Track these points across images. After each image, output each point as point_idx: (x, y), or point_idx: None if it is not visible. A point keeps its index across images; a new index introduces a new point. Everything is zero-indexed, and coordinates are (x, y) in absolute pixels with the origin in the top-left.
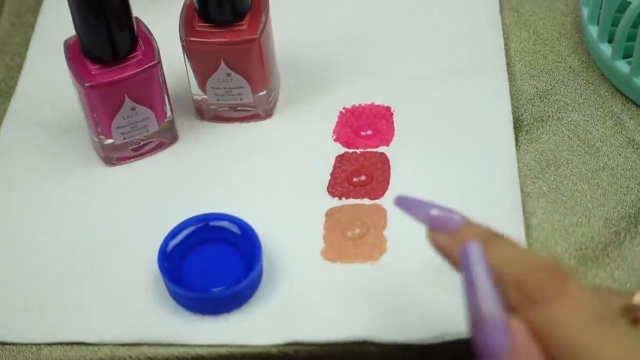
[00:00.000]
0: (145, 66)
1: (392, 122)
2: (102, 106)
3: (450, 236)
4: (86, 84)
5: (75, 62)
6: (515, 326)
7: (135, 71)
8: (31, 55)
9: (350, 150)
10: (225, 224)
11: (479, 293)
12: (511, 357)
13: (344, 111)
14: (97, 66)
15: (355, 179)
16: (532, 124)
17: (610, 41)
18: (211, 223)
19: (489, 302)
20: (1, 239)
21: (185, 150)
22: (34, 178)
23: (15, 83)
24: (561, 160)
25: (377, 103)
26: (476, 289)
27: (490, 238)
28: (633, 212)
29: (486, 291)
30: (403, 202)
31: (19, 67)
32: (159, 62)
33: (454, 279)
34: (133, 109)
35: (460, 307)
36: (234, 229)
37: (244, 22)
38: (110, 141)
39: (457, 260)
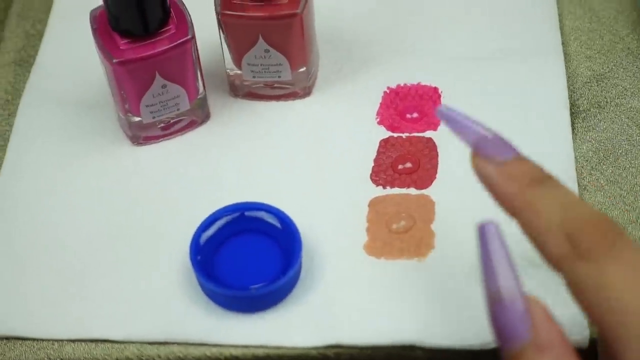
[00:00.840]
0: (178, 41)
1: (440, 104)
2: (131, 83)
3: (497, 169)
4: (114, 60)
5: (103, 36)
6: (535, 309)
7: (167, 47)
8: (53, 21)
9: (395, 135)
10: (262, 214)
11: (498, 276)
12: (531, 341)
13: (388, 91)
14: (126, 40)
15: (400, 166)
16: (589, 110)
17: None
18: (247, 213)
19: (510, 287)
20: (19, 225)
21: (217, 130)
22: (54, 157)
23: (35, 52)
24: (620, 151)
25: (423, 83)
26: (495, 272)
27: (542, 179)
28: None
29: (506, 274)
30: (449, 115)
31: (40, 34)
32: (193, 37)
33: None
34: (164, 86)
35: None
36: (272, 220)
37: None
38: (138, 119)
39: (500, 195)
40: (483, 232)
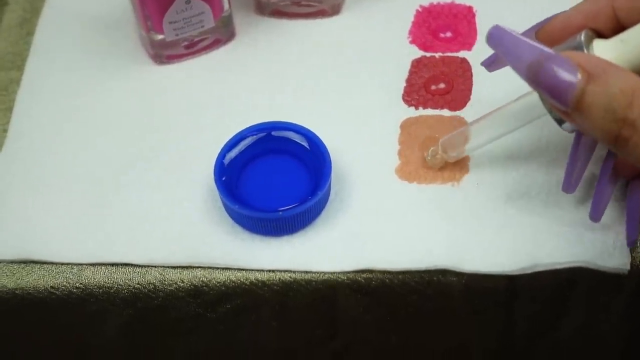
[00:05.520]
0: None
1: (474, 24)
2: None
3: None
4: None
5: None
6: (571, 54)
7: None
8: None
9: (428, 54)
10: (290, 134)
11: (529, 47)
12: (584, 76)
13: (420, 10)
14: None
15: (433, 87)
16: None
17: None
18: (274, 133)
19: (541, 50)
20: (39, 147)
21: (242, 49)
22: (74, 77)
23: None
24: None
25: (457, 2)
26: (525, 46)
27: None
28: None
29: (533, 44)
30: (498, 36)
31: None
32: None
33: (544, 203)
34: (188, 2)
35: (550, 236)
36: (300, 140)
37: None
38: (160, 37)
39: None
40: (492, 37)
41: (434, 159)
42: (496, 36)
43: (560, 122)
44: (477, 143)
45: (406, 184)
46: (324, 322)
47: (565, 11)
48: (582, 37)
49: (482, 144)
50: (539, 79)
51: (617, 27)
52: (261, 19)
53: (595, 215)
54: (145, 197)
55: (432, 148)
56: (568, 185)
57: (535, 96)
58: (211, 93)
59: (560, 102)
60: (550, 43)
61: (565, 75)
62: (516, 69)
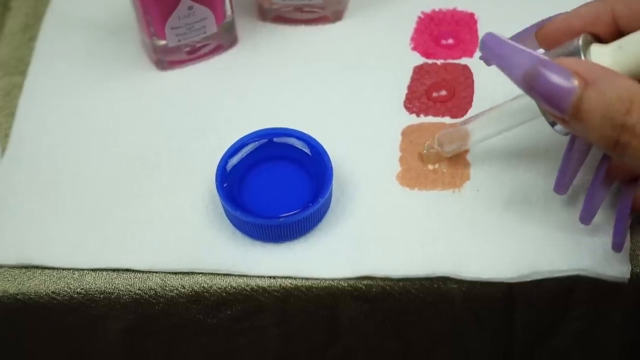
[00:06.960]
0: None
1: (476, 31)
2: (156, 4)
3: None
4: None
5: None
6: (563, 61)
7: None
8: None
9: (430, 61)
10: (291, 140)
11: (525, 55)
12: (580, 83)
13: (422, 16)
14: None
15: (434, 94)
16: None
17: None
18: (276, 139)
19: (537, 59)
20: (42, 152)
21: (245, 55)
22: (76, 83)
23: None
24: None
25: (459, 9)
26: (520, 55)
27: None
28: None
29: (529, 53)
30: (492, 45)
31: None
32: None
33: (544, 211)
34: (190, 8)
35: (550, 243)
36: (302, 146)
37: None
38: (163, 43)
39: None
40: (485, 45)
41: (429, 153)
42: (490, 44)
43: (553, 124)
44: (474, 139)
45: (407, 191)
46: (324, 328)
47: (565, 13)
48: (580, 42)
49: (478, 140)
50: (535, 87)
51: (616, 33)
52: (263, 25)
53: (585, 218)
54: (146, 203)
55: (428, 142)
56: (560, 186)
57: None
58: (213, 99)
59: (557, 109)
60: (549, 45)
61: (561, 82)
62: (511, 77)
